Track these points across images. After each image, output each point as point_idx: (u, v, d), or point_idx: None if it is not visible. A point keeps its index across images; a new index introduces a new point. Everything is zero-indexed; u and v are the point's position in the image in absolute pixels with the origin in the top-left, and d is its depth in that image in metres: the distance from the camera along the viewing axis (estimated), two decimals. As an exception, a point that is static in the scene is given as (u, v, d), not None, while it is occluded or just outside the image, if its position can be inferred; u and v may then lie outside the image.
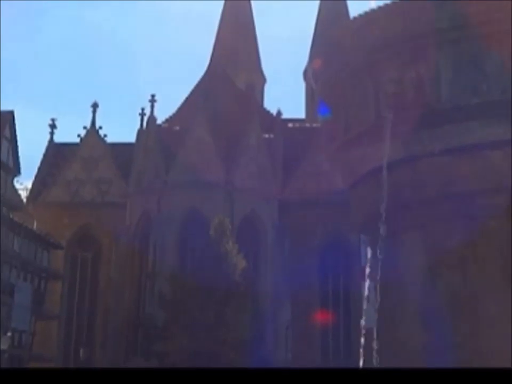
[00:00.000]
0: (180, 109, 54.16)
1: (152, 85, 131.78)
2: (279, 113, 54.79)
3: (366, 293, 10.08)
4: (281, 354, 43.57)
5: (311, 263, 47.61)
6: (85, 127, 55.10)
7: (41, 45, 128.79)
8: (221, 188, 47.27)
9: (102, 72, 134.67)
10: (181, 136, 48.84)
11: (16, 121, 45.39)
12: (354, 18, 10.72)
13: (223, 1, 72.65)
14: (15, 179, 47.89)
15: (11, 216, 43.98)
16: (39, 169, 55.35)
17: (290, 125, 56.21)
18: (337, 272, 49.19)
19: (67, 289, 51.50)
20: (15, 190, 50.62)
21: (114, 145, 54.11)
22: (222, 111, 50.02)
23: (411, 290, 10.34)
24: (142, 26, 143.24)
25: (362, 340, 9.99)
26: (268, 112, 57.70)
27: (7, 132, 44.53)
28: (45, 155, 56.21)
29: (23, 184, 53.32)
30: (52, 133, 56.62)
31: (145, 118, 53.10)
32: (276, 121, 53.93)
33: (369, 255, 10.53)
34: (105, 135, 54.94)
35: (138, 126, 53.77)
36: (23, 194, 53.22)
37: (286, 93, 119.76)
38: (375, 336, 9.47)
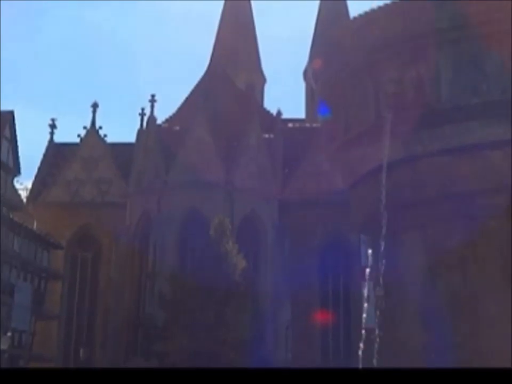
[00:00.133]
0: (180, 109, 54.12)
1: (152, 85, 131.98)
2: (279, 113, 54.75)
3: (366, 293, 10.08)
4: (281, 354, 43.51)
5: (311, 263, 47.56)
6: (85, 127, 55.10)
7: (41, 45, 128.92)
8: (221, 188, 47.23)
9: (102, 72, 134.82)
10: (181, 136, 48.81)
11: (16, 121, 45.47)
12: (354, 18, 10.73)
13: (223, 1, 72.75)
14: (15, 179, 47.92)
15: (11, 216, 43.94)
16: (39, 169, 55.31)
17: (290, 125, 56.20)
18: (337, 272, 49.13)
19: (67, 289, 51.46)
20: (15, 190, 50.59)
21: (114, 145, 54.08)
22: (222, 111, 49.97)
23: (411, 290, 10.33)
24: (142, 26, 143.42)
25: (361, 342, 9.99)
26: (268, 112, 57.66)
27: (7, 132, 44.51)
28: (45, 155, 56.17)
29: (23, 184, 53.37)
30: (51, 133, 56.60)
31: (145, 118, 53.06)
32: (275, 121, 53.89)
33: (369, 255, 10.53)
34: (105, 135, 54.96)
35: (138, 126, 53.82)
36: (23, 194, 53.26)
37: (286, 93, 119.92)
38: (375, 336, 9.46)
